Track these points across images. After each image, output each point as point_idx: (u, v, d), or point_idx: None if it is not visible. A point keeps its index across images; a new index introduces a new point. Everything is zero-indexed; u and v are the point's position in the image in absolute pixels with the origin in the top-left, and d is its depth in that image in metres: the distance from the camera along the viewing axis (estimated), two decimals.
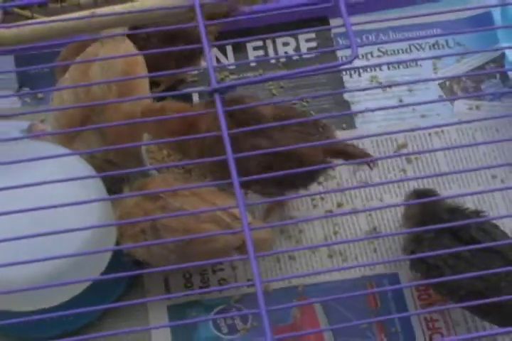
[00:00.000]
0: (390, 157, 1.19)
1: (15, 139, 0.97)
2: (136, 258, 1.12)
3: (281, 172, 0.74)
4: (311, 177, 1.16)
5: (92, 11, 0.95)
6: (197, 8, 0.79)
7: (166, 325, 1.18)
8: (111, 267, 1.10)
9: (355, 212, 1.27)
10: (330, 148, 1.12)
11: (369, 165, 1.14)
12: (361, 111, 1.23)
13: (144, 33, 1.18)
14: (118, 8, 0.91)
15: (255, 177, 0.70)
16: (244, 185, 0.73)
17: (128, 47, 1.17)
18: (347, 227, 1.26)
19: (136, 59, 1.16)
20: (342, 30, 1.38)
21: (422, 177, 0.82)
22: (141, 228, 1.08)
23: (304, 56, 1.41)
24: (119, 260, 1.12)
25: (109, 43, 1.16)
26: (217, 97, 0.73)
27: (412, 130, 1.19)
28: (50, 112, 1.23)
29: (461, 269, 1.05)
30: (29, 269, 0.88)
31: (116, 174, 0.78)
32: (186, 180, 1.12)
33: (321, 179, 1.24)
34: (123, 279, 1.19)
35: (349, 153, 1.13)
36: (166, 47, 0.85)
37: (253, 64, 1.40)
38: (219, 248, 1.08)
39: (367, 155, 1.15)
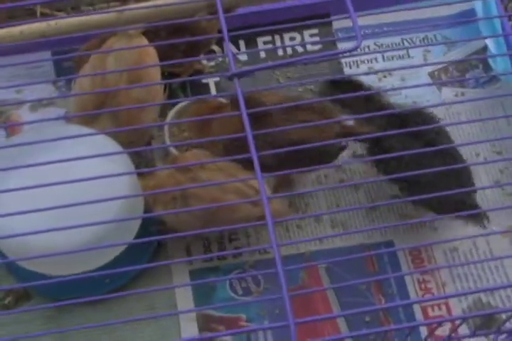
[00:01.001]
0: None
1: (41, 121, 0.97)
2: (164, 226, 1.13)
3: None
4: (326, 160, 1.16)
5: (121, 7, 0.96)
6: (218, 1, 0.80)
7: (188, 284, 1.19)
8: (139, 236, 1.12)
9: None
10: (340, 131, 1.13)
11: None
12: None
13: (153, 27, 1.19)
14: (144, 4, 0.92)
15: (273, 151, 0.71)
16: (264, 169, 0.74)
17: (140, 40, 1.19)
18: (348, 201, 1.27)
19: (147, 51, 1.18)
20: (342, 25, 1.42)
21: (414, 153, 0.82)
22: (172, 196, 1.09)
23: (309, 49, 1.42)
24: (146, 229, 1.13)
25: (124, 37, 1.18)
26: (236, 81, 0.74)
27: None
28: (71, 98, 1.24)
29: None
30: (70, 235, 0.88)
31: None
32: (214, 157, 1.13)
33: None
34: (150, 246, 1.20)
35: (358, 133, 1.13)
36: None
37: (263, 56, 1.41)
38: (241, 217, 1.09)
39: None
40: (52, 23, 0.93)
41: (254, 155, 0.72)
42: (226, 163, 1.11)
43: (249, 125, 0.72)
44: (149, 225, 1.14)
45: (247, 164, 0.77)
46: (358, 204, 1.27)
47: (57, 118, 1.25)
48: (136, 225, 1.12)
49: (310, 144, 0.99)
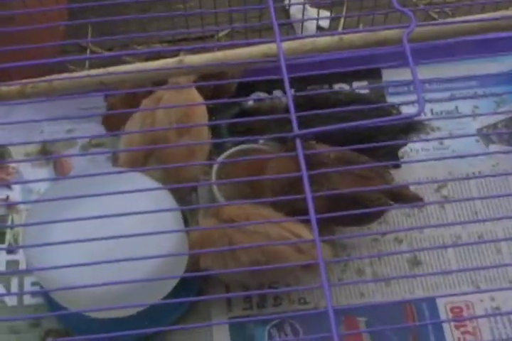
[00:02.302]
0: (433, 203, 1.22)
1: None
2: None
3: (351, 212, 0.74)
4: (373, 218, 1.17)
5: (180, 58, 0.95)
6: (282, 61, 0.80)
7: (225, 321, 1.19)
8: (182, 281, 1.11)
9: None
10: (388, 191, 1.12)
11: (418, 208, 1.15)
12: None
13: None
14: (206, 57, 0.92)
15: (332, 214, 0.70)
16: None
17: (189, 92, 1.20)
18: (390, 255, 1.26)
19: (196, 102, 1.21)
20: (393, 78, 1.42)
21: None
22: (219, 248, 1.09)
23: None
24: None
25: (174, 89, 1.20)
26: (298, 142, 0.74)
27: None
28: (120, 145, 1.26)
29: None
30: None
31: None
32: (260, 207, 1.12)
33: None
34: (190, 293, 1.19)
35: (404, 196, 1.13)
36: None
37: None
38: (289, 268, 1.08)
39: (419, 198, 1.15)
40: (111, 69, 0.93)
41: (312, 217, 0.71)
42: (271, 213, 1.10)
43: (309, 187, 0.71)
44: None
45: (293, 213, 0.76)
46: (400, 257, 1.25)
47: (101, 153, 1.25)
48: (180, 272, 1.11)
49: (359, 200, 1.01)
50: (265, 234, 1.06)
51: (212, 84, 1.20)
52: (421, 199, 1.15)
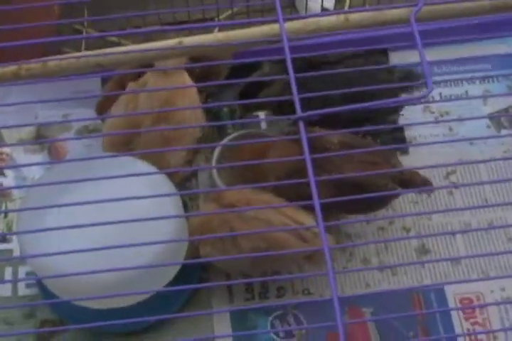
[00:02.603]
0: (442, 187, 1.22)
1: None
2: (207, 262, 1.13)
3: (356, 197, 0.74)
4: (380, 205, 1.16)
5: (180, 39, 0.95)
6: (285, 42, 0.79)
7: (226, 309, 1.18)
8: (182, 270, 1.12)
9: None
10: (397, 176, 1.12)
11: (427, 194, 1.15)
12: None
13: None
14: (206, 38, 0.92)
15: (336, 199, 0.70)
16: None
17: (177, 77, 1.19)
18: (397, 242, 1.26)
19: (181, 88, 1.19)
20: (399, 60, 1.41)
21: None
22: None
23: None
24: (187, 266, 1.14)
25: (160, 73, 1.19)
26: (301, 125, 0.74)
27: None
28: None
29: None
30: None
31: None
32: (261, 192, 1.12)
33: None
34: (192, 280, 1.19)
35: (413, 181, 1.13)
36: None
37: None
38: (290, 255, 1.08)
39: (429, 183, 1.14)
40: (108, 51, 0.92)
41: (316, 201, 0.71)
42: (272, 198, 1.10)
43: (312, 171, 0.71)
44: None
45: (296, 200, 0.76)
46: (408, 245, 1.25)
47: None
48: (180, 259, 1.12)
49: (366, 186, 1.01)
50: (266, 220, 1.06)
51: (201, 67, 1.18)
52: (430, 184, 1.15)
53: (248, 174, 1.16)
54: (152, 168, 1.09)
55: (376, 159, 1.11)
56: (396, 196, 1.17)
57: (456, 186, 1.27)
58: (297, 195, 0.82)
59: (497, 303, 1.13)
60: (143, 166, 1.09)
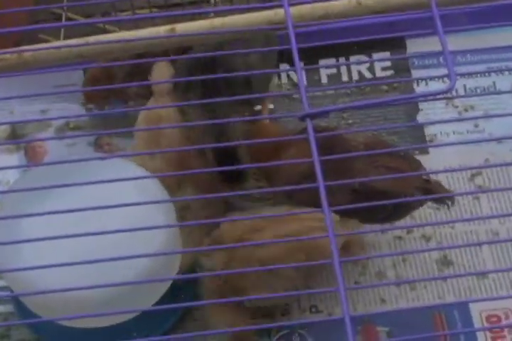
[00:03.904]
0: (466, 193, 1.22)
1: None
2: None
3: (369, 204, 0.74)
4: (400, 215, 1.17)
5: (172, 26, 0.95)
6: (290, 29, 0.79)
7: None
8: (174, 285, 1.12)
9: None
10: (421, 186, 1.12)
11: (448, 206, 1.15)
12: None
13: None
14: (202, 24, 0.92)
15: (349, 206, 0.70)
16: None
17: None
18: (416, 254, 1.26)
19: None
20: (418, 49, 1.41)
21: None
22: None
23: (378, 74, 1.42)
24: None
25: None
26: (309, 123, 0.74)
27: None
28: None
29: None
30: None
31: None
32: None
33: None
34: (187, 296, 1.20)
35: (437, 193, 1.13)
36: None
37: (324, 81, 1.41)
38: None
39: (451, 198, 1.15)
40: (91, 39, 0.93)
41: (325, 209, 0.71)
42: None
43: (321, 174, 0.71)
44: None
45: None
46: (428, 256, 1.26)
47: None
48: (172, 273, 1.12)
49: (389, 195, 1.01)
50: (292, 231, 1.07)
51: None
52: (453, 200, 1.16)
53: (259, 172, 1.17)
54: (142, 171, 1.09)
55: (402, 166, 1.11)
56: (420, 205, 1.18)
57: (483, 191, 1.27)
58: (310, 199, 0.81)
59: None
60: (131, 169, 1.09)
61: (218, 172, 1.15)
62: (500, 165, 1.30)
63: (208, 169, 1.08)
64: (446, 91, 0.74)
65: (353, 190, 0.97)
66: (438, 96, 0.75)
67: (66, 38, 1.36)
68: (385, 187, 1.07)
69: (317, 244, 1.04)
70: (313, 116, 0.74)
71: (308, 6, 0.89)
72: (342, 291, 0.68)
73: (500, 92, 1.41)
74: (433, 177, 1.24)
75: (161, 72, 1.23)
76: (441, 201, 1.17)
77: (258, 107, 1.32)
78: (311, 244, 1.05)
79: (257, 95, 0.81)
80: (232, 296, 1.04)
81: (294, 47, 0.79)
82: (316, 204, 0.73)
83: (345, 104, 0.72)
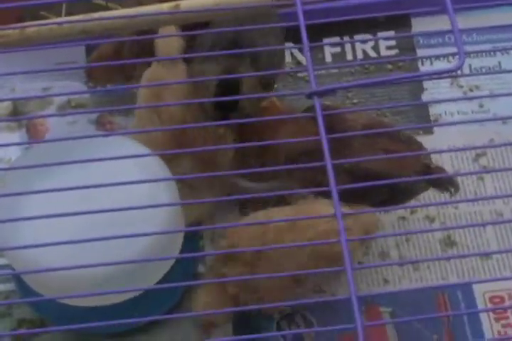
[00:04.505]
0: (471, 173, 1.21)
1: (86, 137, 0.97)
2: None
3: (379, 183, 0.73)
4: (403, 198, 1.16)
5: (177, 3, 0.94)
6: (298, 6, 0.79)
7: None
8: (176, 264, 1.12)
9: None
10: (421, 170, 1.12)
11: (451, 193, 1.15)
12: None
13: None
14: (206, 0, 0.91)
15: (357, 185, 0.69)
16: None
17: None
18: (419, 234, 1.25)
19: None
20: (423, 28, 1.41)
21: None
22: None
23: (382, 53, 1.41)
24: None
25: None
26: (316, 101, 0.73)
27: None
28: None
29: None
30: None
31: None
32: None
33: None
34: (187, 277, 1.19)
35: (439, 179, 1.13)
36: None
37: (328, 60, 1.40)
38: None
39: (456, 184, 1.15)
40: (96, 15, 0.92)
41: (333, 187, 0.70)
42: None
43: (329, 153, 0.70)
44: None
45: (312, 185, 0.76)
46: (432, 237, 1.25)
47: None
48: (175, 251, 1.11)
49: (389, 177, 1.00)
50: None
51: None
52: (457, 186, 1.15)
53: (258, 150, 1.16)
54: (144, 149, 1.08)
55: (401, 149, 1.11)
56: (423, 190, 1.17)
57: (487, 171, 1.26)
58: (313, 182, 0.81)
59: None
60: (133, 146, 1.08)
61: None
62: (505, 145, 1.30)
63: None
64: (454, 70, 0.74)
65: (345, 170, 0.95)
66: (443, 75, 0.74)
67: (68, 15, 1.35)
68: (379, 169, 1.06)
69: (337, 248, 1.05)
70: (320, 94, 0.74)
71: None
72: (349, 271, 0.67)
73: (505, 71, 1.40)
74: (437, 157, 1.23)
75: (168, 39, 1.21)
76: (443, 187, 1.15)
77: None
78: (332, 249, 1.05)
79: (271, 71, 0.80)
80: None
81: (302, 24, 0.78)
82: (316, 181, 0.72)
83: (352, 83, 0.71)
